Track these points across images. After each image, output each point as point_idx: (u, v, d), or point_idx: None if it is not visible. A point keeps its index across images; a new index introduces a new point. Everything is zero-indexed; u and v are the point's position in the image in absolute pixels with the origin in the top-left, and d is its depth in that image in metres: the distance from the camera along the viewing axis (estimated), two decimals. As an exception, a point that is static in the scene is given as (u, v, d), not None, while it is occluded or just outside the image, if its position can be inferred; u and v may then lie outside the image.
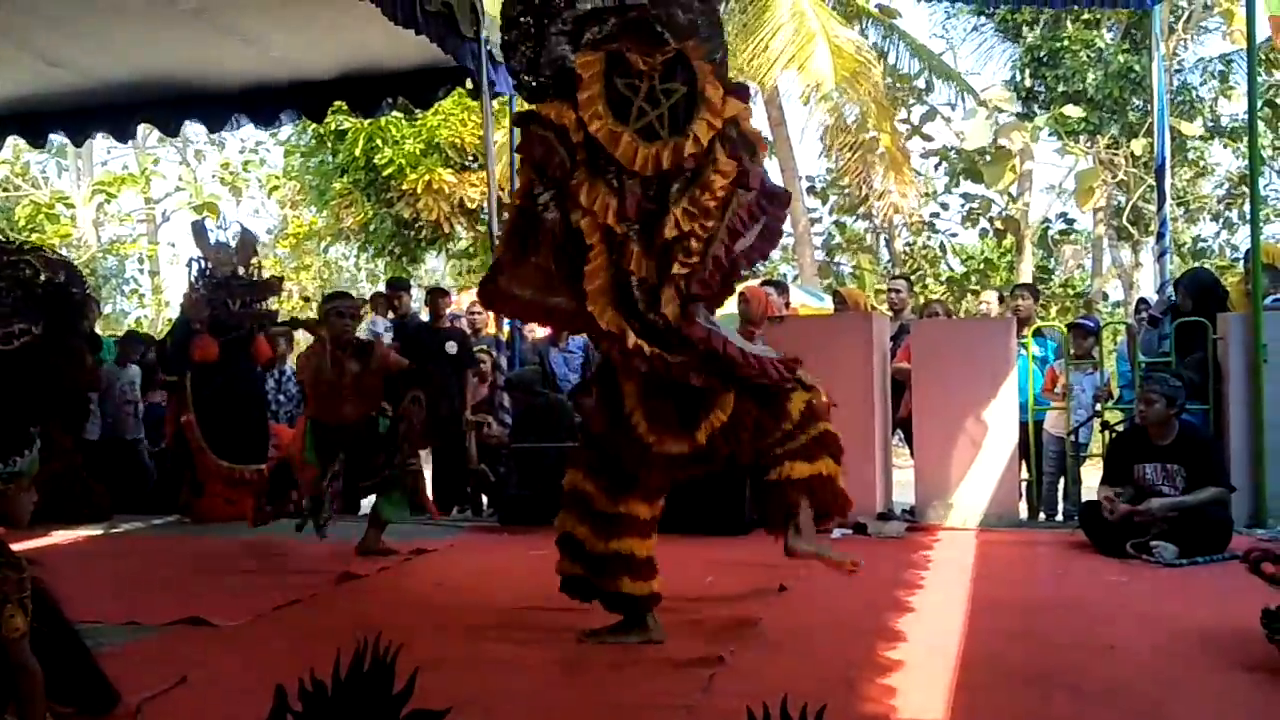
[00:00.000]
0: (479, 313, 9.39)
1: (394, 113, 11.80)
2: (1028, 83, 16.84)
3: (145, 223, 23.23)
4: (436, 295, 8.64)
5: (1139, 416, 5.49)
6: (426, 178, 14.33)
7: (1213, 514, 5.22)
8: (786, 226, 4.42)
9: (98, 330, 10.04)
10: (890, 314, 8.03)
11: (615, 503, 3.74)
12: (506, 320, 7.99)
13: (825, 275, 18.69)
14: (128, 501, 7.94)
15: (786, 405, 3.68)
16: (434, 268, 20.98)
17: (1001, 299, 9.12)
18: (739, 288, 5.97)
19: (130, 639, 3.99)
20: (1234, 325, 6.45)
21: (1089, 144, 17.23)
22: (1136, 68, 15.65)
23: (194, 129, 14.77)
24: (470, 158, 14.53)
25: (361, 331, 6.88)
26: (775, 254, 14.22)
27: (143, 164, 21.63)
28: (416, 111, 12.34)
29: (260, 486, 6.42)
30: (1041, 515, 7.30)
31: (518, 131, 3.76)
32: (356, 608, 4.58)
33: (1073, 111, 16.03)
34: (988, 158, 17.57)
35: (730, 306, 5.64)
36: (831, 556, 3.79)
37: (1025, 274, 17.57)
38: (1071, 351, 7.32)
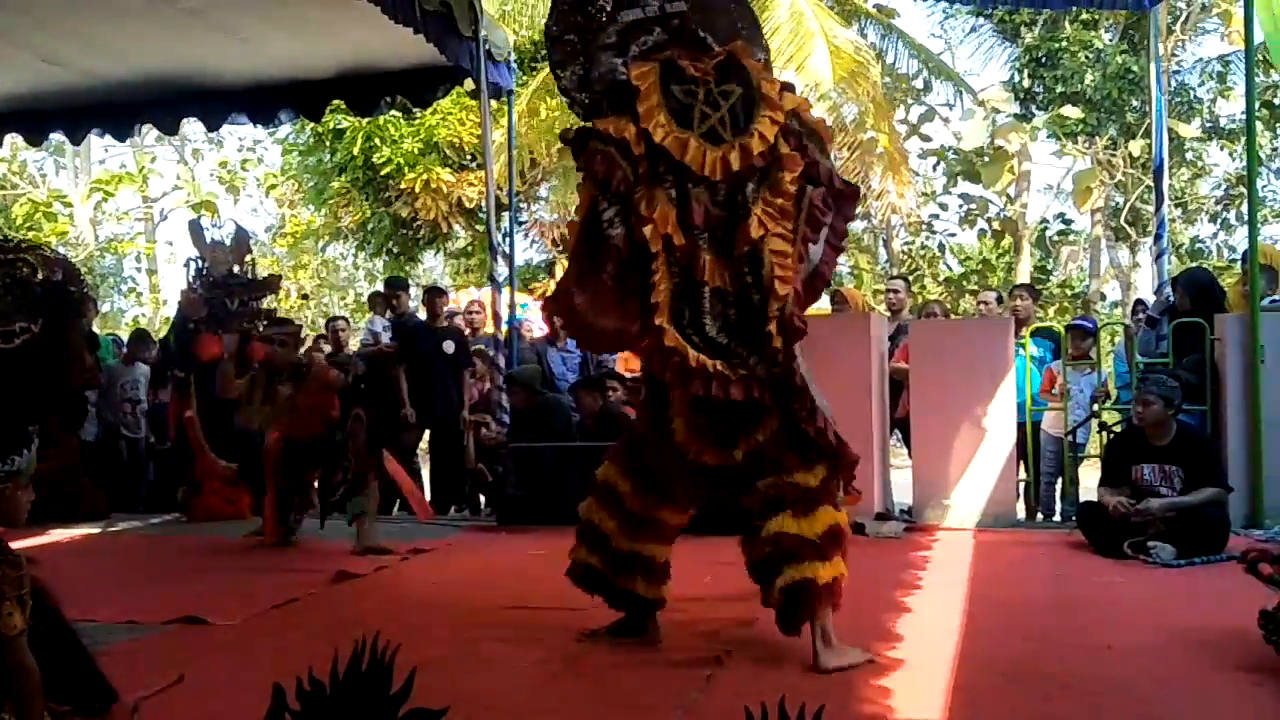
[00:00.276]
0: (476, 312, 9.40)
1: (392, 112, 11.77)
2: (1026, 83, 16.85)
3: (143, 221, 23.23)
4: (434, 294, 8.64)
5: (1136, 417, 5.50)
6: (425, 177, 14.32)
7: (1210, 514, 5.22)
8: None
9: (95, 329, 10.04)
10: (888, 314, 8.05)
11: (647, 506, 3.72)
12: (505, 320, 7.98)
13: (824, 275, 18.65)
14: (125, 500, 7.94)
15: (816, 511, 3.50)
16: (432, 267, 20.95)
17: (1000, 299, 9.12)
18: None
19: (128, 638, 3.99)
20: (1231, 326, 6.46)
21: (1087, 145, 17.22)
22: (1135, 69, 15.67)
23: (192, 127, 14.80)
24: (468, 157, 14.52)
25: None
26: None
27: (140, 162, 21.64)
28: (415, 110, 12.35)
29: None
30: (1039, 515, 7.31)
31: (571, 149, 3.63)
32: (354, 607, 4.58)
33: (1071, 112, 16.03)
34: (986, 158, 17.57)
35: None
36: (864, 659, 3.51)
37: (1023, 274, 17.58)
38: (1069, 352, 7.33)
